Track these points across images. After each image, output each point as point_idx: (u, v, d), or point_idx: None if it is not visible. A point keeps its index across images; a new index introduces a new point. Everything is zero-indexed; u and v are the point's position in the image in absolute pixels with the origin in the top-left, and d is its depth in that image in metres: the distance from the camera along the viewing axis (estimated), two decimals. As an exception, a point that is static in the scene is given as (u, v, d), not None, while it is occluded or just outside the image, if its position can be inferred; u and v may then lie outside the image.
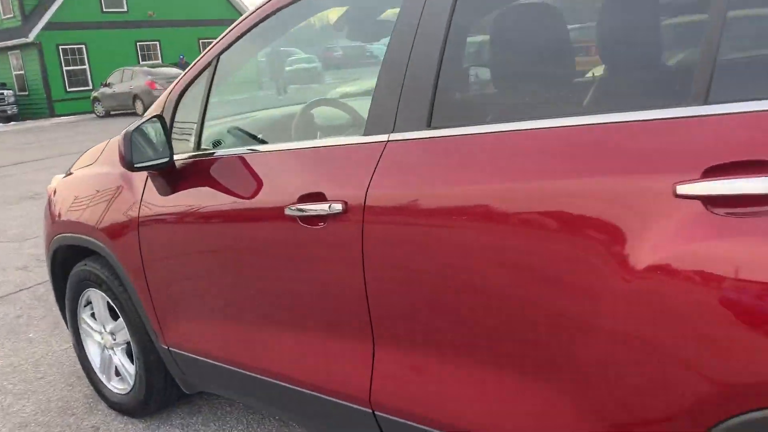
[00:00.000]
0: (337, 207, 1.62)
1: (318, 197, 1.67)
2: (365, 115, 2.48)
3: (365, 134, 1.65)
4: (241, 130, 2.24)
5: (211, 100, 2.15)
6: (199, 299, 2.14)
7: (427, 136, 1.52)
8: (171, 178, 2.13)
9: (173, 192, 2.12)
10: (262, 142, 2.15)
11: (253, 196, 1.86)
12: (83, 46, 25.54)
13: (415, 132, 1.54)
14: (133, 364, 2.58)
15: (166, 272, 2.21)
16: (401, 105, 1.57)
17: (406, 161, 1.54)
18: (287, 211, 1.73)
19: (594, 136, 1.27)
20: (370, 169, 1.59)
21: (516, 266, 1.34)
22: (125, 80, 21.31)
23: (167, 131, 2.09)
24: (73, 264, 2.74)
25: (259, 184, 1.86)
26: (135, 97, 20.68)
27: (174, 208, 2.11)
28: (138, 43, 27.10)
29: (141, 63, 25.64)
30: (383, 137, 1.59)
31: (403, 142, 1.56)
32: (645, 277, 1.18)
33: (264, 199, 1.83)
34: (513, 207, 1.34)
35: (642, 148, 1.20)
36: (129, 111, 21.16)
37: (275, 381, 1.94)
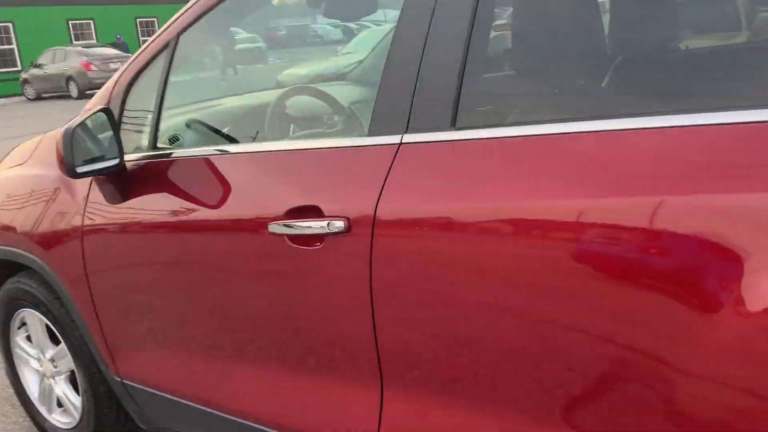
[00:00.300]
0: (339, 225, 1.31)
1: (312, 212, 1.37)
2: (346, 104, 2.20)
3: (370, 134, 1.34)
4: (204, 124, 1.90)
5: (169, 89, 1.80)
6: (159, 327, 1.80)
7: (453, 138, 1.23)
8: (121, 183, 1.78)
9: (124, 200, 1.78)
10: (231, 139, 1.82)
11: (225, 209, 1.53)
12: (10, 24, 24.03)
13: (436, 133, 1.25)
14: (78, 395, 2.22)
15: (118, 295, 1.87)
16: (417, 100, 1.27)
17: (425, 169, 1.25)
18: (272, 228, 1.41)
19: (686, 139, 1.00)
20: (379, 179, 1.29)
21: (585, 303, 1.07)
22: (58, 61, 20.19)
23: (116, 127, 1.73)
24: (3, 278, 2.34)
25: (234, 193, 1.54)
26: (69, 78, 19.62)
27: (126, 219, 1.77)
28: (70, 22, 25.73)
29: (74, 42, 24.38)
30: (394, 139, 1.29)
31: (420, 146, 1.26)
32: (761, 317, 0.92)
33: (240, 212, 1.51)
34: (576, 227, 1.06)
35: (750, 156, 0.95)
36: (63, 93, 20.08)
37: (257, 425, 1.63)
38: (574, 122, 1.11)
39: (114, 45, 22.68)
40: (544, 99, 1.25)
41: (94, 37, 26.17)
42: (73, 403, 2.25)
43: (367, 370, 1.37)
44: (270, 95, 2.28)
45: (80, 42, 24.30)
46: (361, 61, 2.67)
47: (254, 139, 1.86)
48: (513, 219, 1.13)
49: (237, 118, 2.13)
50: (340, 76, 3.40)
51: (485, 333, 1.19)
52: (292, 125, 2.06)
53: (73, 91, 19.42)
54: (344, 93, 2.36)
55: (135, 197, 1.75)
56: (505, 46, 1.44)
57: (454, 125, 1.23)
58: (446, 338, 1.24)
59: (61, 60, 20.09)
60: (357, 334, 1.36)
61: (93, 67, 19.11)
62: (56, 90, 20.30)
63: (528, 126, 1.16)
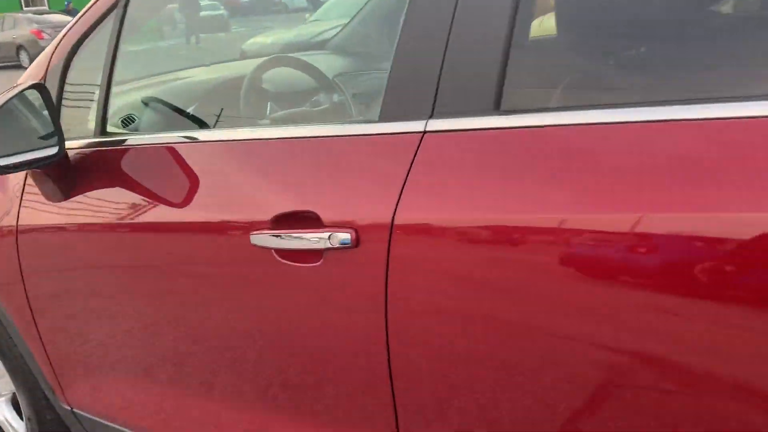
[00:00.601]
0: (343, 237, 1.01)
1: (307, 220, 1.06)
2: (332, 77, 1.88)
3: (382, 120, 1.04)
4: (164, 103, 1.57)
5: (120, 58, 1.47)
6: (113, 349, 1.49)
7: (496, 125, 0.93)
8: (63, 176, 1.44)
9: (67, 197, 1.44)
10: (199, 121, 1.49)
11: (194, 213, 1.22)
12: (-45, -11, 22.84)
13: (473, 119, 0.95)
14: (22, 420, 1.90)
15: (62, 309, 1.55)
16: (446, 75, 0.97)
17: (459, 165, 0.95)
18: (255, 239, 1.11)
19: None
20: (397, 177, 0.99)
21: (679, 341, 0.80)
22: (6, 28, 19.15)
23: (53, 108, 1.39)
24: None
25: (205, 193, 1.22)
26: (19, 47, 18.65)
27: (69, 221, 1.44)
28: (20, -13, 24.53)
29: (24, 9, 23.23)
30: (416, 126, 0.99)
31: (451, 135, 0.97)
32: None
33: (214, 217, 1.19)
34: (667, 241, 0.79)
35: None
36: (12, 63, 19.09)
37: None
38: (672, 106, 0.82)
39: (65, 12, 21.65)
40: (624, 75, 0.95)
41: (46, 4, 25.00)
42: (16, 430, 1.93)
43: (382, 420, 1.09)
44: (242, 66, 1.96)
45: (31, 8, 23.16)
46: (345, 26, 2.33)
47: (228, 123, 1.54)
48: (581, 230, 0.85)
49: (205, 95, 1.78)
50: (317, 45, 3.06)
51: (543, 377, 0.91)
52: (269, 103, 1.74)
53: (25, 60, 18.47)
54: (328, 65, 2.04)
55: (80, 194, 1.42)
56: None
57: (498, 108, 0.94)
58: (493, 387, 0.96)
59: (10, 27, 19.08)
60: (366, 375, 1.07)
61: (45, 35, 18.17)
62: (6, 60, 19.30)
63: (602, 110, 0.87)
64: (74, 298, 1.51)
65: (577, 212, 0.85)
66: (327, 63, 2.12)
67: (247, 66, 1.91)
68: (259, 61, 1.78)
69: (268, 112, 1.74)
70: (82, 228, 1.43)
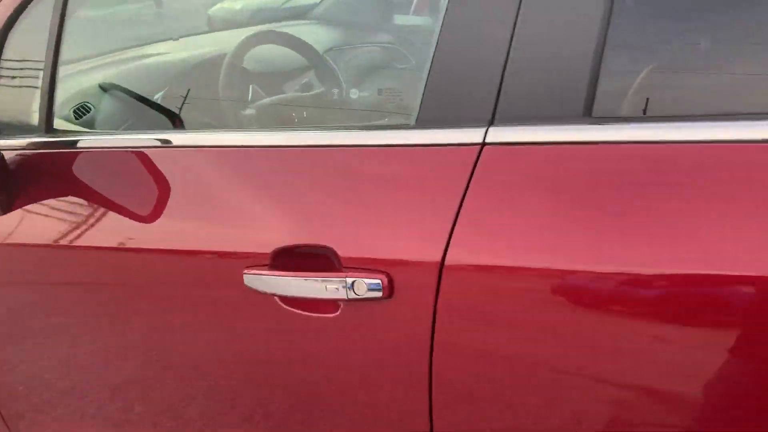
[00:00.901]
0: (371, 284, 0.76)
1: (320, 259, 0.81)
2: (322, 52, 1.61)
3: (420, 125, 0.78)
4: (127, 91, 1.28)
5: (68, 31, 1.18)
6: (71, 390, 1.24)
7: (586, 138, 0.69)
8: (1, 186, 1.16)
9: (7, 211, 1.16)
10: (170, 114, 1.21)
11: (167, 238, 0.96)
12: None
13: (553, 128, 0.70)
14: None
15: (14, 345, 1.29)
16: (511, 72, 0.71)
17: (534, 188, 0.71)
18: (249, 281, 0.85)
19: None
20: (447, 203, 0.74)
21: None
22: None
23: (-17, 101, 1.10)
24: None
25: (180, 213, 0.96)
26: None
27: (11, 239, 1.17)
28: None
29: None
30: (471, 136, 0.74)
31: (522, 149, 0.72)
32: None
33: (196, 247, 0.93)
34: None
35: None
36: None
37: None
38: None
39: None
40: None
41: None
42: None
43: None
44: (217, 42, 1.66)
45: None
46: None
47: (206, 115, 1.27)
48: (702, 285, 0.62)
49: (176, 80, 1.48)
50: (294, 11, 2.73)
51: None
52: (251, 87, 1.46)
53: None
54: (316, 38, 1.77)
55: (22, 207, 1.14)
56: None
57: (589, 113, 0.69)
58: None
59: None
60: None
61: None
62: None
63: (744, 123, 0.63)
64: (14, 327, 1.25)
65: (697, 269, 0.62)
66: (315, 36, 1.84)
67: (222, 40, 1.62)
68: (236, 35, 1.51)
69: (250, 97, 1.46)
70: (26, 248, 1.16)
